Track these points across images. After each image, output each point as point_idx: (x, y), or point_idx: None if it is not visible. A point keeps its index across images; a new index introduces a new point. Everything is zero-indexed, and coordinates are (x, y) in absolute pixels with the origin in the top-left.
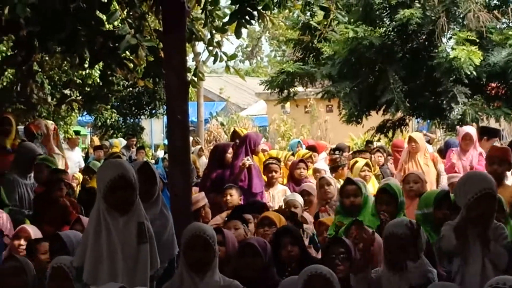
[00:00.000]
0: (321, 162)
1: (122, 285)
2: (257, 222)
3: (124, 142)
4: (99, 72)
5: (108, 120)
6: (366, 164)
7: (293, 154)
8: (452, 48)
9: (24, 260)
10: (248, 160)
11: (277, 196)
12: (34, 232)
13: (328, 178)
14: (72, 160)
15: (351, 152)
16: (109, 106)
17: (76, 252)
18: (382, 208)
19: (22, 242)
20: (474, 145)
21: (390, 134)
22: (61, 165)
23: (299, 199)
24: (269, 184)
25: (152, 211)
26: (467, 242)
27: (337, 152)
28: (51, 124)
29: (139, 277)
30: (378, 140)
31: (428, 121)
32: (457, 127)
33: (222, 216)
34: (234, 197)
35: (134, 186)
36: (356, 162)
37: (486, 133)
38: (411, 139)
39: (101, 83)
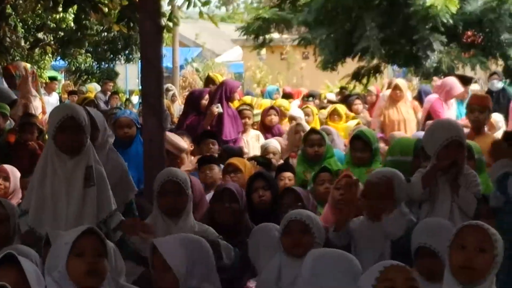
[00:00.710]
0: (296, 109)
1: (90, 226)
2: (223, 168)
3: (98, 87)
4: (73, 15)
5: (82, 65)
6: (358, 124)
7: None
8: None
9: (8, 204)
10: (217, 107)
11: (251, 141)
12: (12, 171)
13: (305, 125)
14: (50, 105)
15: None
16: (83, 51)
17: (25, 195)
18: (357, 155)
19: (1, 181)
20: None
21: (364, 81)
22: (39, 108)
23: (277, 145)
24: (243, 130)
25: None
26: (436, 189)
27: (310, 98)
28: (30, 67)
29: (87, 222)
30: (354, 87)
31: (404, 68)
32: (438, 79)
33: (192, 162)
34: (214, 171)
35: (83, 128)
36: (335, 109)
37: (460, 81)
38: (396, 86)
39: (75, 27)
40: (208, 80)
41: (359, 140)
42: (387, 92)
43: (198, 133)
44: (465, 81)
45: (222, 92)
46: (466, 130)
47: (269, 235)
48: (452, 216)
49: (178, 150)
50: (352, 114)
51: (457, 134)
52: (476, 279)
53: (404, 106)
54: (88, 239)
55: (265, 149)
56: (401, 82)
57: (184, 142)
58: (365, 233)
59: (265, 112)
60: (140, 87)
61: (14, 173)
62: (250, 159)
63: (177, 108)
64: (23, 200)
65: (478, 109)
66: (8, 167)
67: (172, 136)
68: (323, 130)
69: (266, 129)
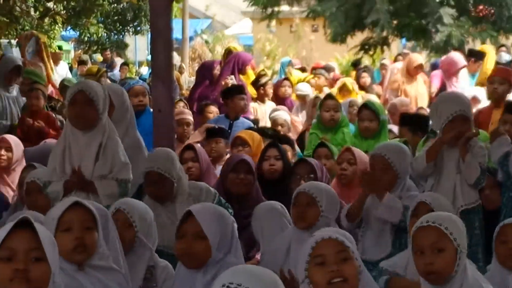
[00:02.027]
0: (305, 85)
1: (76, 199)
2: (231, 142)
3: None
4: None
5: (94, 36)
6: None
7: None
8: None
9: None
10: (231, 79)
11: (267, 112)
12: (14, 141)
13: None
14: (59, 75)
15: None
16: (95, 21)
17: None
18: (364, 124)
19: (3, 152)
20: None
21: (372, 52)
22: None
23: (285, 116)
24: (261, 99)
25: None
26: (441, 163)
27: (323, 71)
28: (43, 36)
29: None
30: (361, 58)
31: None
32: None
33: (200, 131)
34: (220, 144)
35: (94, 103)
36: (344, 84)
37: (473, 55)
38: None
39: None
40: (229, 54)
41: (367, 110)
42: (397, 64)
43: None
44: (479, 56)
45: (234, 64)
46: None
47: (272, 213)
48: (456, 189)
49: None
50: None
51: (462, 108)
52: (444, 279)
53: (419, 81)
54: (75, 213)
55: (273, 121)
56: (419, 57)
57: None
58: (369, 212)
59: (279, 84)
60: (150, 58)
61: (17, 143)
62: (258, 130)
63: (185, 79)
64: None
65: (498, 80)
66: (10, 137)
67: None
68: (351, 102)
69: (279, 100)
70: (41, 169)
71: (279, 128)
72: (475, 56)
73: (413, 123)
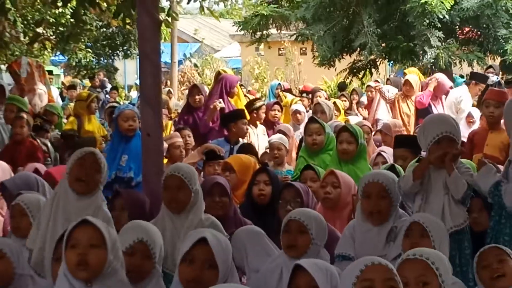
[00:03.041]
0: (299, 104)
1: (86, 217)
2: (221, 167)
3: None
4: (71, 10)
5: (82, 61)
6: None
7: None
8: None
9: None
10: (220, 102)
11: (259, 135)
12: (1, 167)
13: (324, 106)
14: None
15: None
16: (83, 46)
17: (30, 233)
18: (343, 146)
19: None
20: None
21: (360, 75)
22: (44, 101)
23: (280, 139)
24: (253, 123)
25: None
26: (429, 182)
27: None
28: (35, 61)
29: None
30: (350, 82)
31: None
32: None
33: (199, 151)
34: (191, 138)
35: (101, 169)
36: (334, 103)
37: (475, 78)
38: (407, 82)
39: (73, 22)
40: (218, 76)
41: (346, 132)
42: (389, 87)
43: (201, 129)
44: (481, 78)
45: (222, 87)
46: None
47: (256, 236)
48: (444, 209)
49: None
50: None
51: (448, 129)
52: None
53: (411, 102)
54: (82, 230)
55: (270, 145)
56: (411, 78)
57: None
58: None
59: (269, 107)
60: (138, 82)
61: (4, 169)
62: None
63: (174, 103)
64: (28, 239)
65: (494, 104)
66: None
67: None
68: (336, 127)
69: (268, 124)
70: (30, 194)
71: (276, 151)
72: (477, 79)
73: (411, 143)
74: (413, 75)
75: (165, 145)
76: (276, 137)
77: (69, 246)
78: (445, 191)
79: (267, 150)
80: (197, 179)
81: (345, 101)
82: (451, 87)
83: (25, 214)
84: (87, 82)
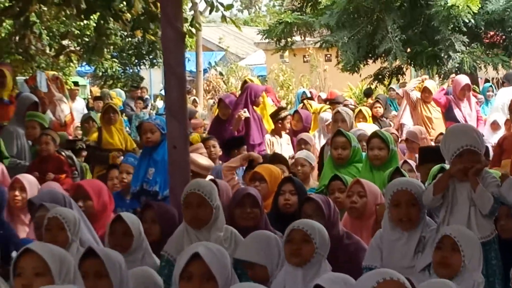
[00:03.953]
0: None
1: (89, 248)
2: (249, 177)
3: (122, 92)
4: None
5: (108, 70)
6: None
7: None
8: None
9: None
10: (245, 112)
11: (283, 145)
12: (28, 181)
13: (344, 114)
14: (76, 110)
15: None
16: (109, 56)
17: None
18: (374, 152)
19: (17, 193)
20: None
21: (387, 82)
22: (65, 110)
23: (306, 155)
24: (278, 133)
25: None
26: (454, 195)
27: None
28: (52, 74)
29: None
30: (375, 88)
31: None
32: (452, 76)
33: (243, 157)
34: (217, 148)
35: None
36: (359, 110)
37: (507, 80)
38: (425, 89)
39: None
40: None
41: (376, 138)
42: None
43: (225, 139)
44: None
45: (247, 96)
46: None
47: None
48: (470, 221)
49: (202, 169)
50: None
51: (469, 143)
52: None
53: (469, 102)
54: (27, 259)
55: (295, 161)
56: (430, 84)
57: (207, 161)
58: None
59: (293, 117)
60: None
61: (32, 183)
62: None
63: (200, 113)
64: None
65: None
66: (24, 177)
67: (195, 156)
68: (360, 135)
69: (293, 132)
70: (64, 208)
71: (300, 167)
72: (509, 81)
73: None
74: (431, 81)
75: None
76: (303, 154)
77: (16, 274)
78: (471, 203)
79: (292, 160)
80: (217, 195)
81: (379, 107)
82: (468, 85)
83: (63, 228)
84: (112, 93)
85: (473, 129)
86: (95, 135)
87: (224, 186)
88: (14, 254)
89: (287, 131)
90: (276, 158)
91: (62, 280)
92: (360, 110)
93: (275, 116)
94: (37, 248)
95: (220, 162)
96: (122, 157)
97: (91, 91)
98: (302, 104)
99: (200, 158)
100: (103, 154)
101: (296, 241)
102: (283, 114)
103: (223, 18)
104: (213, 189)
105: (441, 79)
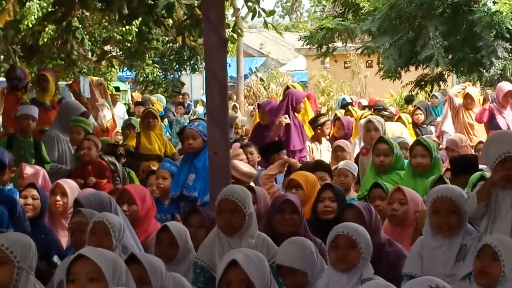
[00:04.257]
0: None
1: (81, 253)
2: (286, 184)
3: (162, 98)
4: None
5: (149, 76)
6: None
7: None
8: (494, 2)
9: None
10: (285, 118)
11: (323, 151)
12: (69, 186)
13: (376, 122)
14: (117, 116)
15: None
16: (150, 61)
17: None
18: (417, 160)
19: (58, 197)
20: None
21: (428, 89)
22: (107, 115)
23: (348, 165)
24: (318, 139)
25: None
26: (497, 203)
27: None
28: (96, 79)
29: None
30: (416, 94)
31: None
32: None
33: (280, 164)
34: (254, 155)
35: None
36: (399, 117)
37: None
38: (467, 96)
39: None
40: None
41: (419, 146)
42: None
43: (266, 144)
44: None
45: (288, 103)
46: None
47: None
48: None
49: (244, 175)
50: None
51: (511, 149)
52: None
53: (473, 113)
54: (80, 265)
55: (338, 171)
56: (472, 91)
57: (249, 168)
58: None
59: (332, 123)
60: (205, 98)
61: (73, 188)
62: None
63: (240, 118)
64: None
65: None
66: (65, 182)
67: (237, 163)
68: (401, 143)
69: (335, 140)
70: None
71: (342, 178)
72: None
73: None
74: (474, 88)
75: None
76: (344, 163)
77: (69, 281)
78: None
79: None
80: (251, 202)
81: (420, 114)
82: (510, 91)
83: (108, 233)
84: (153, 98)
85: None
86: (133, 141)
87: (262, 192)
88: (55, 258)
89: (327, 137)
90: (319, 165)
91: (115, 284)
92: (400, 117)
93: (313, 122)
94: (90, 253)
95: (259, 167)
96: (154, 167)
97: (132, 97)
98: (345, 110)
99: (242, 165)
100: (137, 163)
101: (341, 246)
102: (321, 120)
103: (265, 24)
104: (247, 196)
105: (482, 85)
